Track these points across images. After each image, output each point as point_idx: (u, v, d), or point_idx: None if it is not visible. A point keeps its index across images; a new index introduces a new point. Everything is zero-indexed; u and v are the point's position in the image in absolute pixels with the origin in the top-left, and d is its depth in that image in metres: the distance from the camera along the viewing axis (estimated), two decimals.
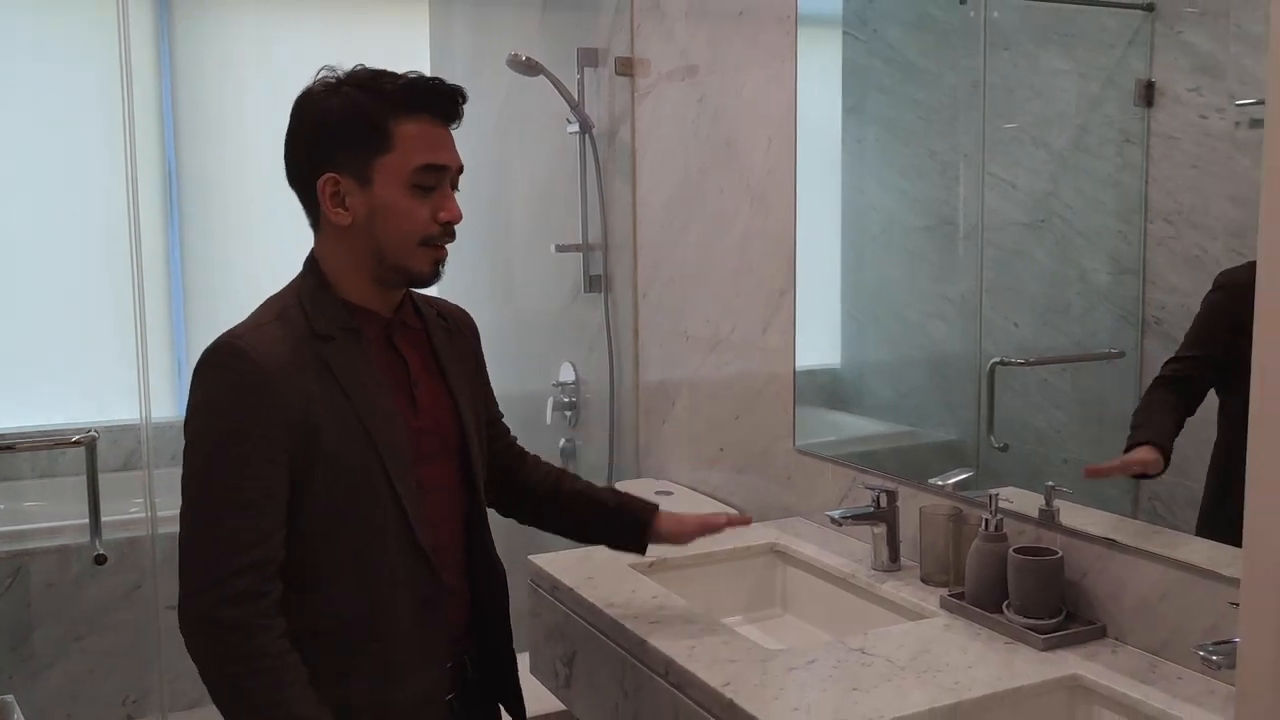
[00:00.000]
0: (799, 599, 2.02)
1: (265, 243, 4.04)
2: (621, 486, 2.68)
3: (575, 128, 2.97)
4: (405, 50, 4.19)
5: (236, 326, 1.40)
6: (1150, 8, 1.65)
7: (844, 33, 2.19)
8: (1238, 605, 1.28)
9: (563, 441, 3.25)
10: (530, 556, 2.00)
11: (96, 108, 3.59)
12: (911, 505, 1.89)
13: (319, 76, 1.42)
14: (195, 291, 3.98)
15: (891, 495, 1.90)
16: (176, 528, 1.35)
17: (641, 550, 1.72)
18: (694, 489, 2.60)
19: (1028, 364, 1.91)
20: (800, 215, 2.22)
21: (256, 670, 1.30)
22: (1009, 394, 1.93)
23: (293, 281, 1.47)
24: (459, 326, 1.61)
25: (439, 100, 1.40)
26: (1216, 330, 1.50)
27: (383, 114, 1.37)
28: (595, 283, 3.02)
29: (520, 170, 3.54)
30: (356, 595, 1.40)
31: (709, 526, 1.71)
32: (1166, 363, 1.58)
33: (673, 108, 2.62)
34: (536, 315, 3.49)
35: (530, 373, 3.54)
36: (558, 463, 3.22)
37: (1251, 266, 1.42)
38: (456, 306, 1.66)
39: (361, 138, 1.37)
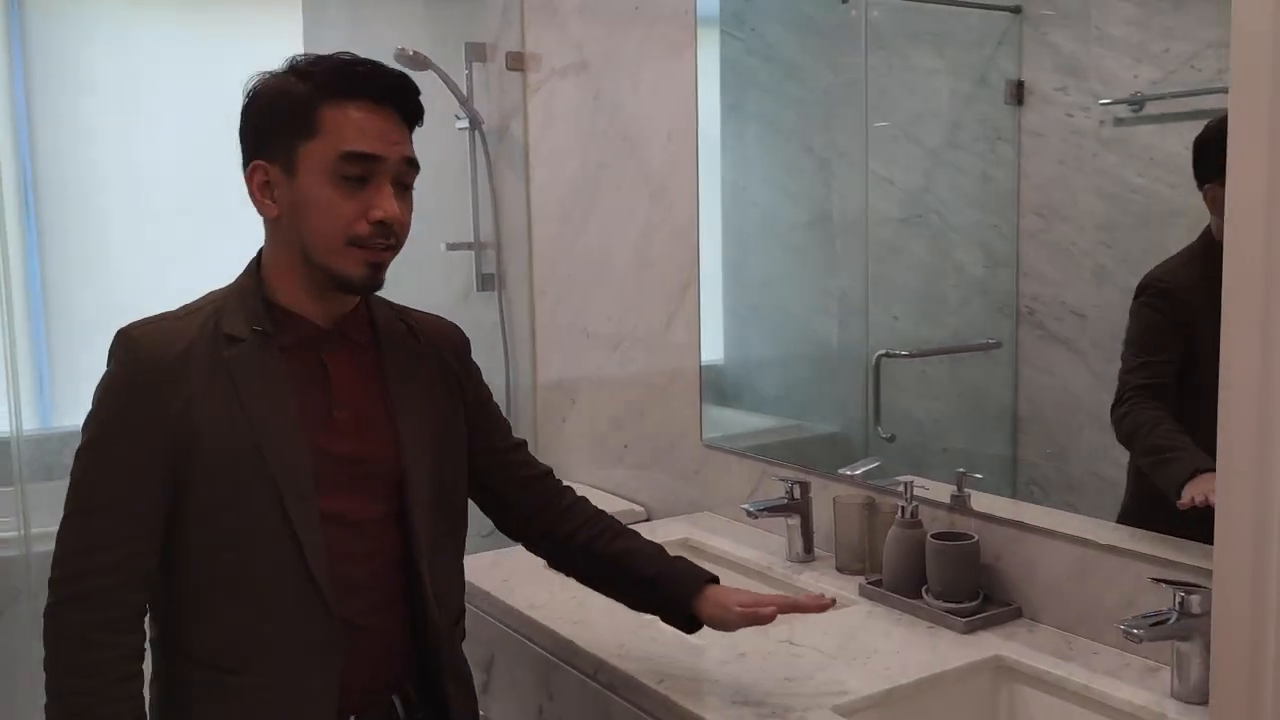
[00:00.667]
0: None
1: (128, 249, 3.86)
2: None
3: (464, 123, 2.92)
4: (276, 48, 4.04)
5: (144, 318, 1.27)
6: (1017, 10, 1.71)
7: (722, 32, 2.21)
8: (1159, 581, 1.34)
9: None
10: None
11: None
12: (823, 496, 1.91)
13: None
14: (56, 301, 3.76)
15: (804, 486, 1.91)
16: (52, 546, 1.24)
17: (689, 630, 1.44)
18: (597, 487, 2.58)
19: (911, 356, 1.95)
20: (712, 210, 2.23)
21: (83, 690, 1.19)
22: (892, 386, 1.97)
23: (235, 280, 1.34)
24: (438, 348, 1.42)
25: (376, 84, 1.25)
26: (1162, 332, 1.50)
27: (311, 97, 1.24)
28: (488, 281, 2.97)
29: None
30: (234, 624, 1.24)
31: (757, 619, 1.39)
32: (1132, 371, 1.53)
33: (568, 103, 2.60)
34: None
35: None
36: None
37: (1163, 268, 1.50)
38: (444, 322, 1.48)
39: (287, 122, 1.24)
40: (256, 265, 1.32)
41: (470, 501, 1.51)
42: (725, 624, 1.39)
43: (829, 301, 2.13)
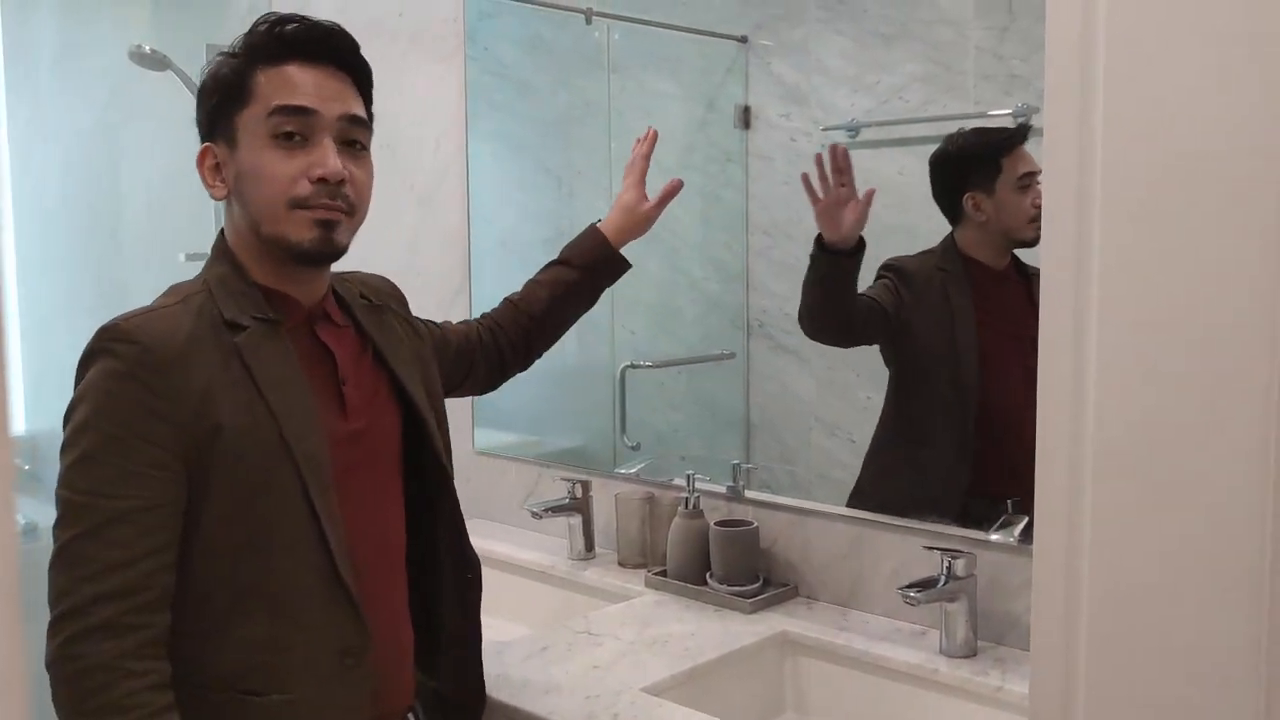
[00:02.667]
0: (498, 598, 2.01)
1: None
2: None
3: None
4: None
5: (131, 313, 1.14)
6: (744, 39, 1.83)
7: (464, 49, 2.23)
8: (931, 548, 1.47)
9: None
10: None
11: None
12: (601, 494, 1.96)
13: None
14: None
15: (585, 485, 1.95)
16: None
17: (623, 262, 1.58)
18: None
19: (653, 367, 2.04)
20: (474, 214, 2.23)
21: (107, 684, 1.04)
22: (633, 397, 2.04)
23: (204, 268, 1.22)
24: (385, 299, 1.37)
25: (305, 41, 1.18)
26: (886, 290, 1.61)
27: (242, 66, 1.17)
28: None
29: (134, 172, 3.23)
30: (256, 638, 1.13)
31: (665, 194, 1.56)
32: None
33: None
34: None
35: None
36: None
37: (903, 257, 1.66)
38: (376, 276, 1.43)
39: (224, 96, 1.17)
40: (225, 250, 1.21)
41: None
42: (644, 216, 1.56)
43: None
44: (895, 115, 1.63)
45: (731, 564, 1.70)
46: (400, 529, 1.28)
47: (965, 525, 1.53)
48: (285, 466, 1.13)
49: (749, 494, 1.80)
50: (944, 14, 1.58)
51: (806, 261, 1.64)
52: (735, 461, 1.83)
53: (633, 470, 2.00)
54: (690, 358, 2.01)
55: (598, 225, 1.55)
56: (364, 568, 1.19)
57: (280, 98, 1.15)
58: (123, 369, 1.09)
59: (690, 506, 1.76)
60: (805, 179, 1.60)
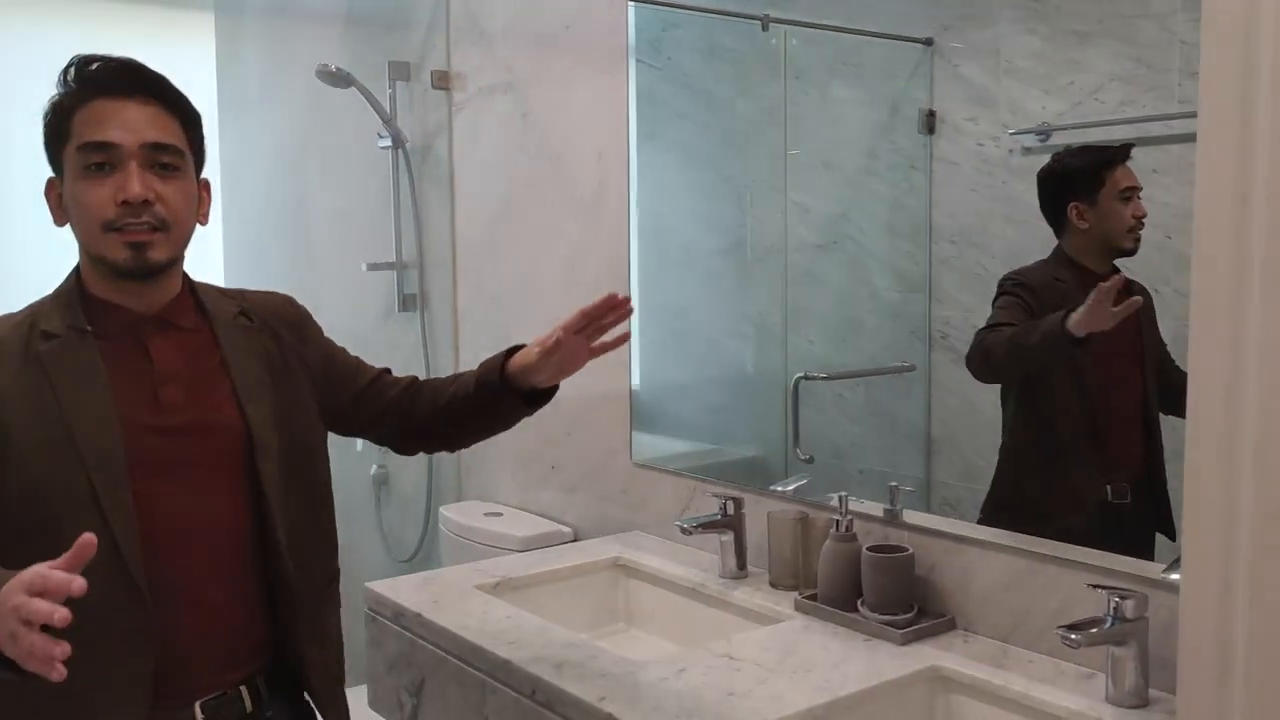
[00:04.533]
0: (645, 613, 2.01)
1: (24, 275, 3.71)
2: (445, 510, 2.61)
3: (387, 142, 2.88)
4: (187, 59, 3.96)
5: None
6: (929, 42, 1.75)
7: (637, 61, 2.22)
8: (1096, 586, 1.36)
9: (374, 469, 3.12)
10: (368, 584, 1.90)
11: None
12: (755, 512, 1.91)
13: None
14: None
15: (738, 503, 1.91)
16: None
17: (528, 405, 1.55)
18: (524, 509, 2.54)
19: (828, 379, 1.97)
20: (636, 229, 2.22)
21: None
22: (810, 409, 1.98)
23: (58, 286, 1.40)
24: (270, 324, 1.47)
25: (104, 78, 1.32)
26: (1017, 309, 1.62)
27: (63, 107, 1.32)
28: (410, 301, 2.93)
29: (325, 186, 3.40)
30: None
31: (547, 348, 1.49)
32: (987, 329, 1.64)
33: (495, 122, 2.58)
34: (344, 336, 3.32)
35: None
36: (369, 491, 3.12)
37: (1021, 270, 1.61)
38: (273, 296, 1.54)
39: (52, 135, 1.33)
40: (75, 270, 1.38)
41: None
42: (534, 367, 1.49)
43: (745, 327, 2.14)
44: (1089, 118, 1.54)
45: (883, 591, 1.62)
46: (236, 521, 1.36)
47: (1125, 551, 1.43)
48: (72, 464, 1.25)
49: (906, 517, 1.72)
50: (1147, 8, 1.48)
51: (994, 271, 1.62)
52: (893, 483, 1.75)
53: (789, 488, 1.94)
54: (869, 369, 1.94)
55: (510, 355, 1.55)
56: (172, 557, 1.30)
57: (86, 134, 1.29)
58: None
59: (842, 529, 1.70)
60: None
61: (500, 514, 2.51)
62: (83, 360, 1.31)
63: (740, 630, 1.74)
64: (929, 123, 1.75)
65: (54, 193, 1.36)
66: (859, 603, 1.65)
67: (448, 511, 2.59)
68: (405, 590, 1.85)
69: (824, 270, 1.98)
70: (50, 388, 1.28)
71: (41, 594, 1.06)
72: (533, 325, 2.49)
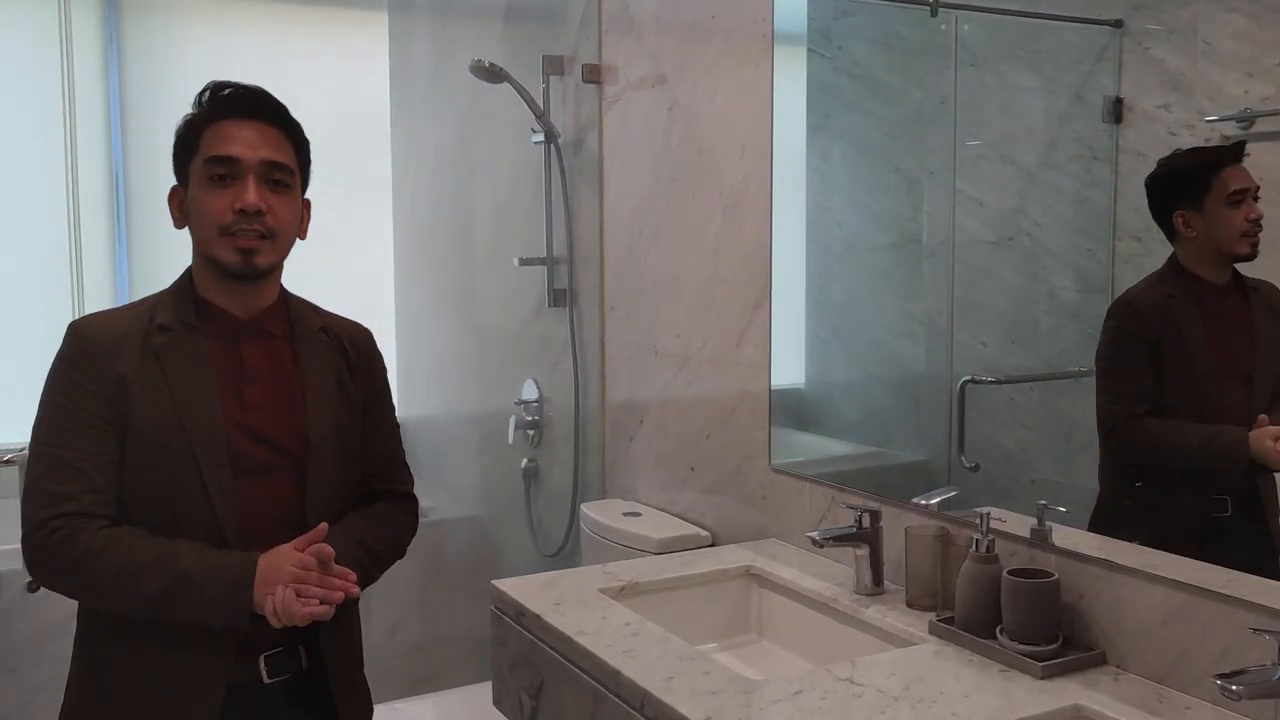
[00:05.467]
0: (776, 625, 1.93)
1: None
2: (585, 508, 2.59)
3: (540, 137, 2.88)
4: (362, 58, 4.09)
5: (96, 312, 1.55)
6: (1119, 24, 1.60)
7: (809, 50, 2.13)
8: (1259, 631, 1.21)
9: (525, 462, 3.14)
10: (494, 582, 1.89)
11: (40, 118, 3.45)
12: (895, 526, 1.81)
13: None
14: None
15: (875, 515, 1.81)
16: None
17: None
18: (663, 510, 2.50)
19: (998, 382, 1.85)
20: (785, 227, 2.14)
21: (93, 555, 1.42)
22: (977, 413, 1.86)
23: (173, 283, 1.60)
24: (347, 345, 1.66)
25: (233, 102, 1.53)
26: (1133, 351, 1.58)
27: (194, 124, 1.53)
28: (560, 297, 2.92)
29: (483, 181, 3.44)
30: None
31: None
32: (1115, 400, 1.59)
33: (642, 116, 2.54)
34: (498, 331, 3.38)
35: (491, 391, 3.44)
36: (520, 484, 3.14)
37: (1132, 291, 1.53)
38: (356, 326, 1.72)
39: (182, 148, 1.54)
40: (188, 270, 1.58)
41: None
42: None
43: (913, 325, 2.03)
44: None
45: (1025, 618, 1.50)
46: (290, 509, 1.54)
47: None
48: (181, 443, 1.47)
49: (1058, 537, 1.58)
50: None
51: None
52: (1042, 501, 1.62)
53: (933, 501, 1.83)
54: (1043, 374, 1.82)
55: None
56: (253, 531, 1.50)
57: (212, 149, 1.49)
58: (67, 355, 1.49)
59: (982, 549, 1.58)
60: None
61: (639, 514, 2.47)
62: (191, 354, 1.51)
63: (870, 651, 1.65)
64: (1115, 111, 1.62)
65: (176, 199, 1.56)
66: (998, 630, 1.53)
67: (588, 510, 2.57)
68: (529, 590, 1.83)
69: (997, 267, 1.86)
70: (164, 376, 1.49)
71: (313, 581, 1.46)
72: (674, 323, 2.45)
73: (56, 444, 1.46)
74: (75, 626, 1.57)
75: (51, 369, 1.50)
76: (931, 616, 1.65)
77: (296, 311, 1.64)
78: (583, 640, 1.61)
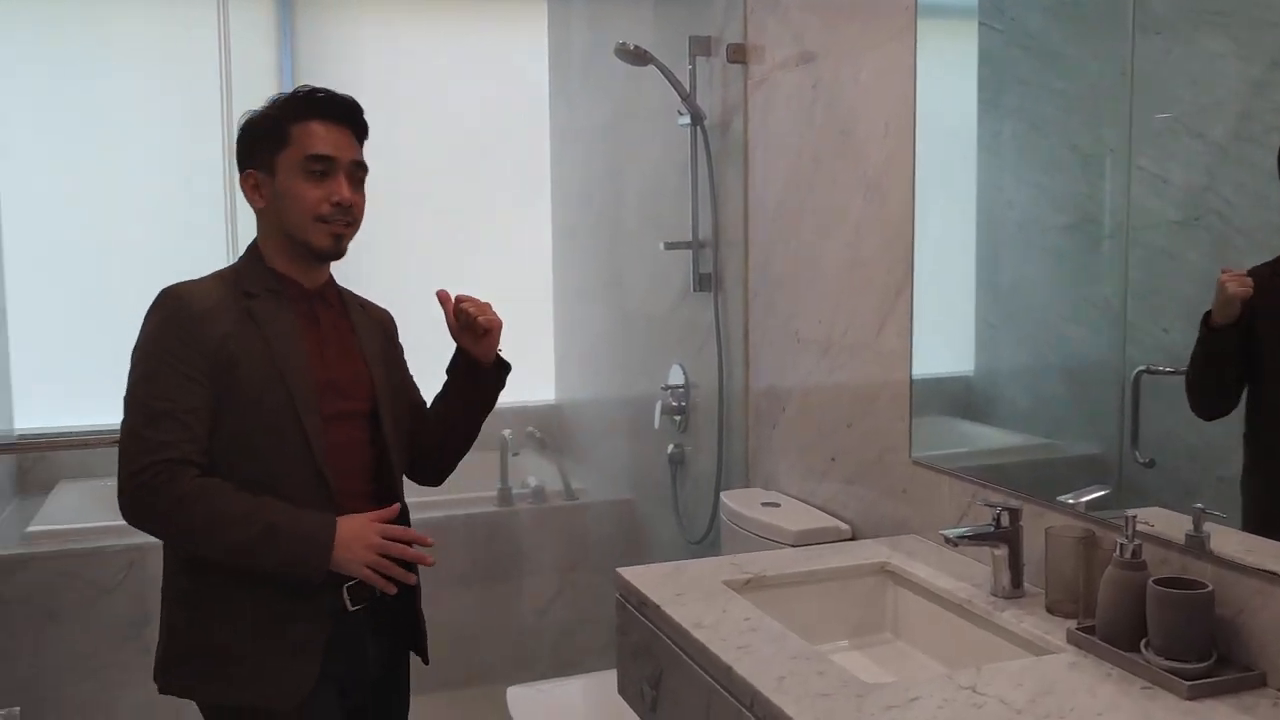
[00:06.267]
0: (911, 624, 1.85)
1: (384, 243, 4.05)
2: (725, 497, 2.55)
3: (686, 120, 2.85)
4: (523, 47, 4.15)
5: (180, 282, 1.71)
6: None
7: (980, 24, 2.01)
8: None
9: (671, 448, 3.12)
10: (619, 570, 1.88)
11: (207, 109, 3.63)
12: (1038, 525, 1.70)
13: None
14: None
15: (1014, 514, 1.71)
16: None
17: (490, 369, 1.96)
18: (804, 500, 2.44)
19: (1176, 372, 1.70)
20: (927, 210, 2.04)
21: (190, 500, 1.60)
22: (1157, 405, 1.72)
23: (238, 259, 1.80)
24: (377, 320, 1.92)
25: (327, 105, 1.72)
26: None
27: (283, 119, 1.71)
28: (705, 281, 2.89)
29: (632, 165, 3.44)
30: None
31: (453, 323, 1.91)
32: None
33: (786, 96, 2.47)
34: (645, 315, 3.38)
35: (639, 375, 3.44)
36: (668, 471, 3.13)
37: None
38: (380, 308, 1.96)
39: (266, 139, 1.71)
40: (254, 246, 1.78)
41: None
42: (463, 342, 1.92)
43: (1089, 311, 1.90)
44: None
45: (1172, 632, 1.38)
46: (366, 452, 1.78)
47: None
48: (281, 389, 1.67)
49: (1217, 544, 1.45)
50: None
51: None
52: (1199, 505, 1.49)
53: (1081, 500, 1.71)
54: None
55: (455, 359, 1.97)
56: (337, 471, 1.70)
57: (311, 147, 1.70)
58: (171, 316, 1.65)
59: (1127, 554, 1.46)
60: None
61: (778, 505, 2.42)
62: (283, 315, 1.72)
63: (1004, 656, 1.56)
64: None
65: (251, 181, 1.74)
66: (1143, 643, 1.42)
67: (727, 498, 2.53)
68: (651, 580, 1.81)
69: (1181, 249, 1.72)
70: (259, 332, 1.68)
71: (404, 540, 1.70)
72: (815, 309, 2.38)
73: (157, 396, 1.62)
74: (168, 575, 1.74)
75: (149, 330, 1.66)
76: (1072, 624, 1.54)
77: (343, 290, 1.88)
78: (699, 634, 1.57)
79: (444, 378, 1.97)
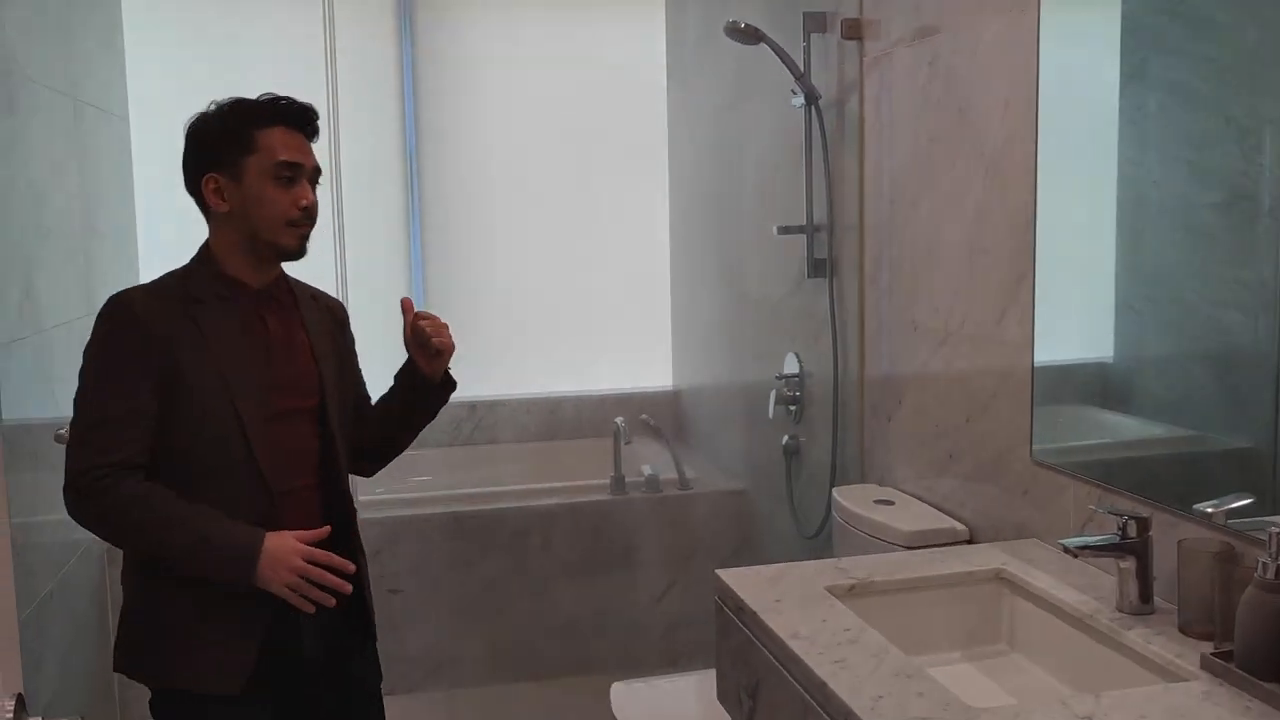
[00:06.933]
0: (1030, 637, 1.73)
1: (502, 232, 4.06)
2: (838, 493, 2.46)
3: (800, 99, 2.74)
4: (640, 30, 4.09)
5: (126, 289, 1.75)
6: None
7: None
8: None
9: (785, 439, 3.03)
10: (718, 571, 1.81)
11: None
12: (1171, 535, 1.56)
13: (199, 111, 1.79)
14: (435, 287, 4.03)
15: (1143, 523, 1.57)
16: None
17: (435, 386, 1.99)
18: (919, 498, 2.32)
19: None
20: (1052, 190, 1.90)
21: (129, 504, 1.66)
22: None
23: (189, 261, 1.82)
24: (329, 311, 1.97)
25: (291, 113, 1.78)
26: None
27: (248, 125, 1.75)
28: (820, 267, 2.78)
29: (746, 147, 3.34)
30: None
31: (411, 336, 1.96)
32: None
33: (903, 73, 2.35)
34: (760, 301, 3.29)
35: (753, 363, 3.36)
36: (782, 462, 3.04)
37: None
38: (331, 297, 2.03)
39: (231, 143, 1.75)
40: (206, 248, 1.81)
41: None
42: (415, 356, 1.96)
43: (1242, 294, 1.74)
44: None
45: None
46: (313, 450, 1.85)
47: None
48: (223, 395, 1.72)
49: None
50: None
51: None
52: None
53: (1221, 509, 1.57)
54: None
55: (405, 367, 2.01)
56: (281, 469, 1.77)
57: (283, 154, 1.76)
58: (119, 323, 1.70)
59: (1270, 574, 1.32)
60: None
61: (891, 503, 2.31)
62: (227, 322, 1.76)
63: (1130, 681, 1.43)
64: None
65: (213, 185, 1.76)
66: None
67: (839, 495, 2.43)
68: (751, 585, 1.74)
69: None
70: (204, 340, 1.73)
71: (325, 565, 1.72)
72: (932, 297, 2.26)
73: (103, 400, 1.68)
74: (126, 560, 1.81)
75: (99, 335, 1.71)
76: (1207, 648, 1.41)
77: (294, 282, 1.92)
78: (795, 645, 1.50)
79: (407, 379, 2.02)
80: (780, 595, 1.69)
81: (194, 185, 1.79)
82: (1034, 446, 1.94)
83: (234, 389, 1.73)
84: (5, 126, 2.30)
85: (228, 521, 1.70)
